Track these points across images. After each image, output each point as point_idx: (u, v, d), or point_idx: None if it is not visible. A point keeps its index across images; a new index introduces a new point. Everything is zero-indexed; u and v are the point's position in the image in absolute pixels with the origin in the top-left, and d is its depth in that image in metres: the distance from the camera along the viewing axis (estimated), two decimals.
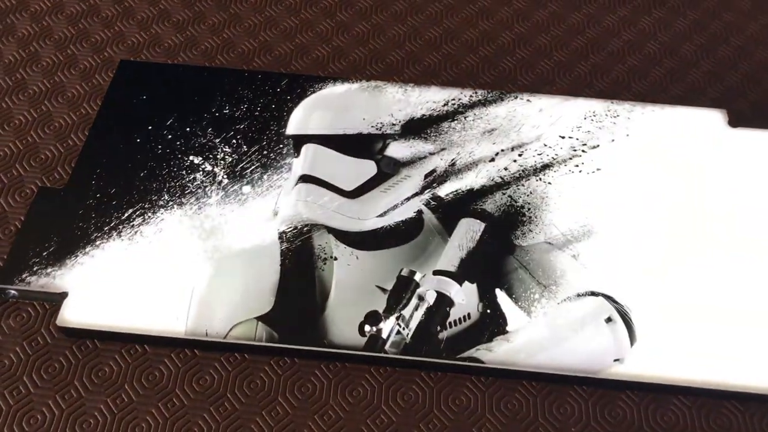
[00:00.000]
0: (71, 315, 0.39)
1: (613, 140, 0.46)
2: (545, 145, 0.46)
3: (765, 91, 0.52)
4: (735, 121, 0.47)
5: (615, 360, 0.38)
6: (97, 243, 0.41)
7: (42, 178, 0.46)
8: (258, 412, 0.38)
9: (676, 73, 0.53)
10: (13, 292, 0.40)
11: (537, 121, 0.47)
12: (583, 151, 0.46)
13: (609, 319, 0.39)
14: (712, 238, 0.42)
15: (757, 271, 0.41)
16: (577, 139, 0.46)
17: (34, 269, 0.40)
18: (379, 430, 0.37)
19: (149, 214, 0.42)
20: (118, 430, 0.37)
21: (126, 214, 0.42)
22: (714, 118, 0.48)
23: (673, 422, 0.38)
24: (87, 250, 0.41)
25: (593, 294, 0.40)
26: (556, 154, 0.46)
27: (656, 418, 0.38)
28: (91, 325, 0.39)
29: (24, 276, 0.40)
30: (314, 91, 0.48)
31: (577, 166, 0.45)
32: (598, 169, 0.45)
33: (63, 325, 0.38)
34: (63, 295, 0.39)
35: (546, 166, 0.45)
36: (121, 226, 0.42)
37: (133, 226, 0.42)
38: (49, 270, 0.40)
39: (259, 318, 0.39)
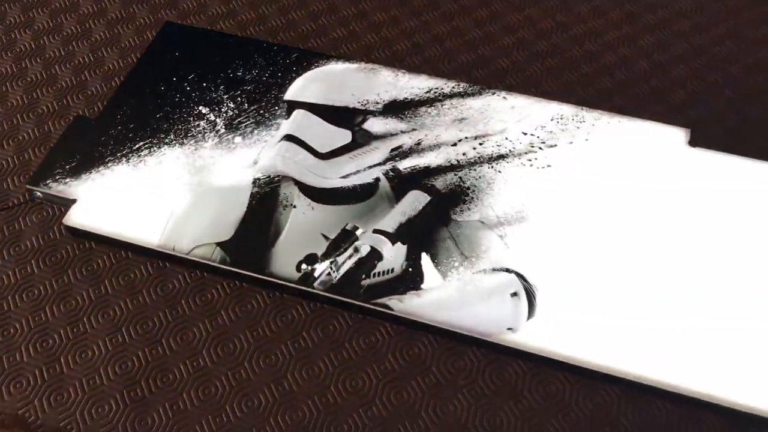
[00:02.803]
0: (76, 218, 0.48)
1: (571, 143, 0.50)
2: (506, 138, 0.50)
3: (744, 119, 0.53)
4: (696, 142, 0.50)
5: (509, 328, 0.42)
6: (108, 165, 0.50)
7: (84, 110, 0.55)
8: (202, 320, 0.45)
9: (662, 92, 0.55)
10: (38, 193, 0.49)
11: (506, 117, 0.52)
12: (540, 148, 0.50)
13: (515, 294, 0.44)
14: (637, 243, 0.46)
15: (671, 278, 0.44)
16: (538, 137, 0.50)
17: (57, 178, 0.49)
18: (296, 352, 0.44)
19: (155, 148, 0.51)
20: (93, 312, 0.45)
21: (137, 146, 0.51)
22: (676, 136, 0.50)
23: (553, 393, 0.42)
24: (99, 169, 0.50)
25: (507, 271, 0.44)
26: (514, 147, 0.50)
27: (538, 388, 0.42)
28: (89, 228, 0.47)
29: (48, 182, 0.49)
30: (317, 66, 0.55)
31: (530, 160, 0.49)
32: (548, 166, 0.49)
33: (68, 224, 0.47)
34: (72, 201, 0.48)
35: (501, 157, 0.50)
36: (130, 154, 0.50)
37: (140, 155, 0.50)
38: (67, 180, 0.49)
39: (218, 243, 0.46)
